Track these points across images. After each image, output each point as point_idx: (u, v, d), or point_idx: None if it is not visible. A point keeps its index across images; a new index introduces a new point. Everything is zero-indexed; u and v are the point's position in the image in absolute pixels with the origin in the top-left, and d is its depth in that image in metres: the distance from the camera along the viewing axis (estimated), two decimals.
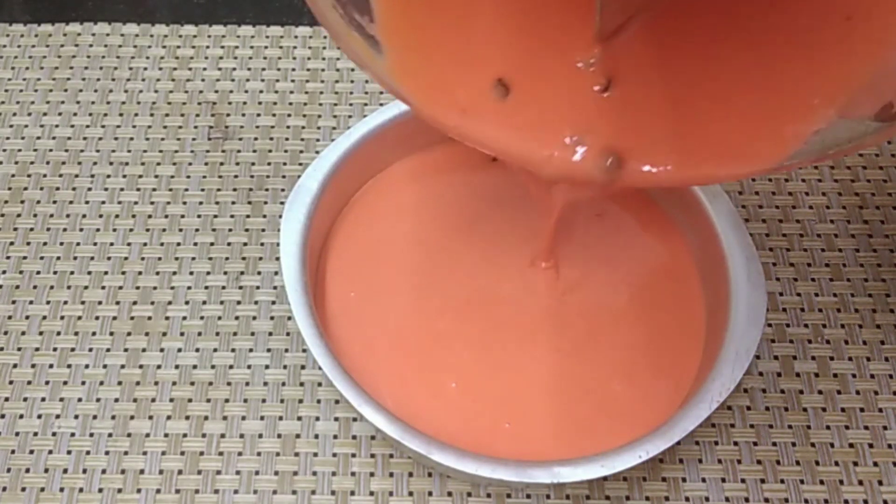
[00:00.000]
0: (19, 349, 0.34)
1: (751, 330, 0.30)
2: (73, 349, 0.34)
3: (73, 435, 0.32)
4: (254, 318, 0.35)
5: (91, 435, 0.32)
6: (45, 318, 0.34)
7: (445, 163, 0.36)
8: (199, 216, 0.37)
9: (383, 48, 0.25)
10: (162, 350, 0.34)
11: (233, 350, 0.34)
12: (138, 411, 0.33)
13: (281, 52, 0.42)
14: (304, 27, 0.42)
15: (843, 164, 0.39)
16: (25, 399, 0.33)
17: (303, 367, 0.33)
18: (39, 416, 0.33)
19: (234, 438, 0.32)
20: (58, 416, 0.32)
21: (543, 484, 0.30)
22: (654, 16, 0.25)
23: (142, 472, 0.31)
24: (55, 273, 0.35)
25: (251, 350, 0.34)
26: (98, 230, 0.37)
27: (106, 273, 0.36)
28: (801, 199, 0.38)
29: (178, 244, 0.36)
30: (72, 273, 0.35)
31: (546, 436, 0.31)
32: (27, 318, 0.35)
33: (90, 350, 0.34)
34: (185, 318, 0.34)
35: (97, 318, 0.34)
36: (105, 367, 0.33)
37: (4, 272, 0.36)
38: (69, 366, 0.33)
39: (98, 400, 0.33)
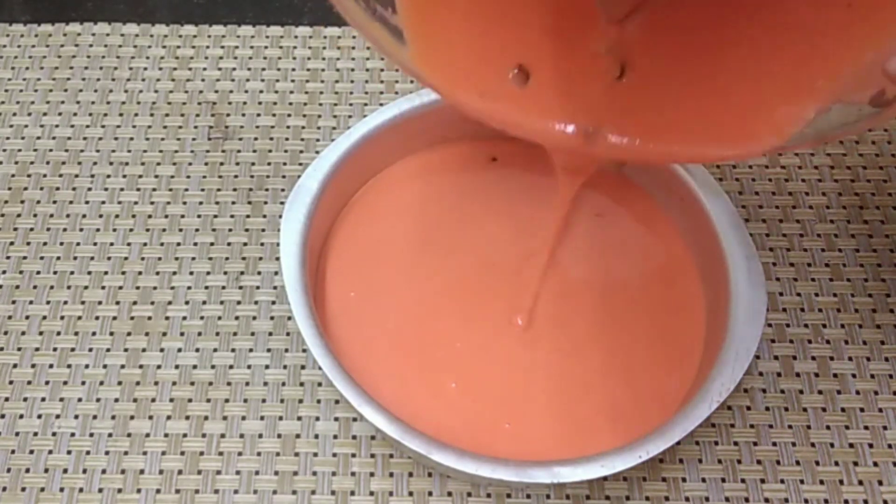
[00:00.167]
0: (19, 349, 0.34)
1: (751, 330, 0.30)
2: (73, 349, 0.34)
3: (73, 435, 0.32)
4: (254, 318, 0.35)
5: (91, 435, 0.32)
6: (45, 318, 0.34)
7: (445, 163, 0.36)
8: (199, 216, 0.37)
9: (406, 38, 0.26)
10: (162, 350, 0.34)
11: (233, 350, 0.34)
12: (138, 411, 0.33)
13: (281, 52, 0.42)
14: (304, 27, 0.42)
15: (843, 164, 0.39)
16: (25, 399, 0.33)
17: (303, 367, 0.33)
18: (39, 416, 0.32)
19: (234, 438, 0.32)
20: (58, 416, 0.32)
21: (543, 484, 0.30)
22: (660, 7, 0.26)
23: (142, 472, 0.31)
24: (55, 273, 0.35)
25: (251, 350, 0.34)
26: (98, 230, 0.36)
27: (106, 273, 0.36)
28: (801, 199, 0.38)
29: (178, 244, 0.36)
30: (72, 273, 0.35)
31: (546, 436, 0.31)
32: (27, 318, 0.35)
33: (90, 350, 0.34)
34: (185, 318, 0.34)
35: (97, 318, 0.34)
36: (105, 367, 0.33)
37: (4, 272, 0.36)
38: (69, 366, 0.33)
39: (98, 400, 0.33)
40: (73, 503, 0.31)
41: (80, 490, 0.31)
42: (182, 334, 0.34)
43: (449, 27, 0.27)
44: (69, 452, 0.32)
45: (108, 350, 0.34)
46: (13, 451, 0.32)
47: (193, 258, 0.36)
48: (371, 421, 0.28)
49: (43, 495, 0.31)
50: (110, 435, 0.32)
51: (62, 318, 0.34)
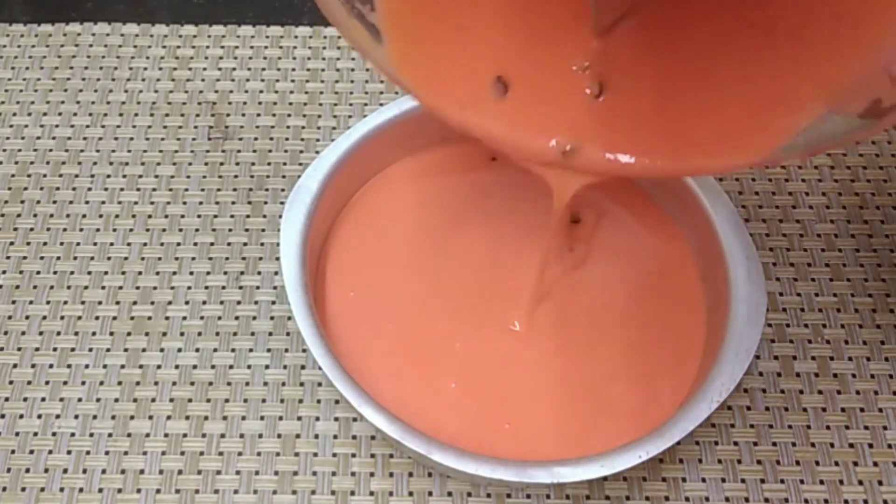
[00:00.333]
0: (19, 349, 0.34)
1: (751, 330, 0.30)
2: (73, 349, 0.34)
3: (73, 435, 0.32)
4: (254, 318, 0.35)
5: (91, 435, 0.32)
6: (45, 318, 0.34)
7: (445, 163, 0.36)
8: (199, 216, 0.37)
9: (383, 37, 0.25)
10: (162, 350, 0.34)
11: (233, 350, 0.34)
12: (138, 411, 0.33)
13: (281, 52, 0.42)
14: (304, 27, 0.42)
15: (843, 164, 0.39)
16: (25, 399, 0.33)
17: (303, 367, 0.33)
18: (39, 416, 0.33)
19: (234, 438, 0.32)
20: (58, 416, 0.32)
21: (543, 484, 0.30)
22: (647, 15, 0.26)
23: (142, 472, 0.31)
24: (55, 273, 0.35)
25: (251, 350, 0.34)
26: (98, 230, 0.37)
27: (106, 273, 0.36)
28: (801, 199, 0.38)
29: (178, 244, 0.36)
30: (72, 273, 0.35)
31: (546, 436, 0.31)
32: (27, 318, 0.35)
33: (90, 350, 0.34)
34: (185, 318, 0.34)
35: (97, 318, 0.34)
36: (105, 367, 0.33)
37: (4, 272, 0.36)
38: (69, 366, 0.33)
39: (98, 400, 0.33)
40: (73, 503, 0.31)
41: (80, 490, 0.31)
42: (182, 334, 0.34)
43: (425, 28, 0.26)
44: (69, 452, 0.32)
45: (108, 350, 0.34)
46: (13, 451, 0.32)
47: (193, 258, 0.36)
48: (371, 421, 0.28)
49: (43, 495, 0.31)
50: (110, 435, 0.32)
51: (62, 318, 0.34)
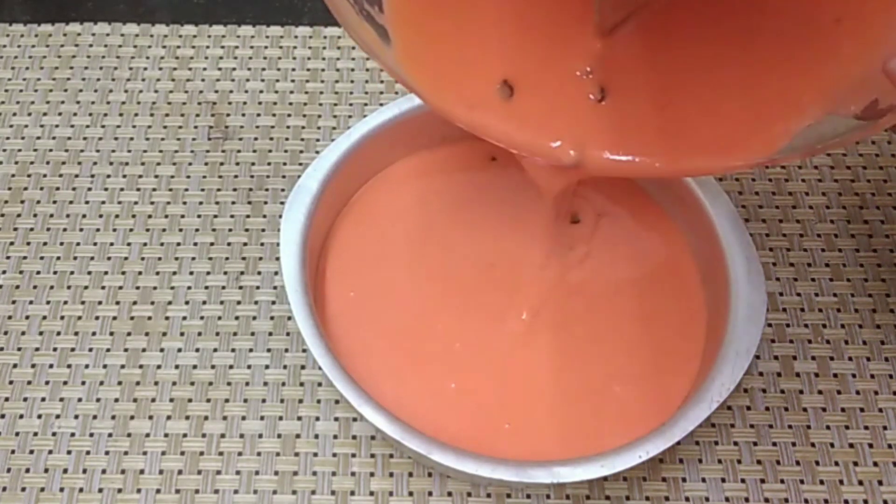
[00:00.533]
0: (19, 349, 0.34)
1: (751, 330, 0.30)
2: (73, 349, 0.34)
3: (73, 435, 0.32)
4: (254, 318, 0.35)
5: (91, 435, 0.32)
6: (45, 318, 0.34)
7: (445, 163, 0.36)
8: (199, 216, 0.37)
9: (391, 38, 0.26)
10: (162, 350, 0.34)
11: (233, 350, 0.34)
12: (138, 411, 0.33)
13: (281, 52, 0.42)
14: (304, 27, 0.42)
15: (843, 164, 0.39)
16: (25, 399, 0.33)
17: (303, 367, 0.33)
18: (39, 416, 0.33)
19: (234, 438, 0.32)
20: (58, 416, 0.32)
21: (543, 484, 0.30)
22: (649, 17, 0.26)
23: (142, 472, 0.31)
24: (55, 273, 0.35)
25: (251, 350, 0.34)
26: (98, 230, 0.37)
27: (106, 273, 0.36)
28: (801, 199, 0.38)
29: (178, 244, 0.36)
30: (72, 273, 0.35)
31: (546, 436, 0.31)
32: (27, 318, 0.35)
33: (90, 350, 0.34)
34: (185, 318, 0.34)
35: (97, 318, 0.34)
36: (105, 367, 0.33)
37: (4, 272, 0.36)
38: (69, 366, 0.33)
39: (98, 400, 0.33)
40: (73, 503, 0.31)
41: (80, 490, 0.31)
42: (182, 334, 0.34)
43: (433, 29, 0.27)
44: (69, 452, 0.32)
45: (108, 350, 0.34)
46: (13, 451, 0.32)
47: (193, 258, 0.36)
48: (371, 421, 0.28)
49: (43, 495, 0.31)
50: (110, 435, 0.32)
51: (62, 318, 0.34)
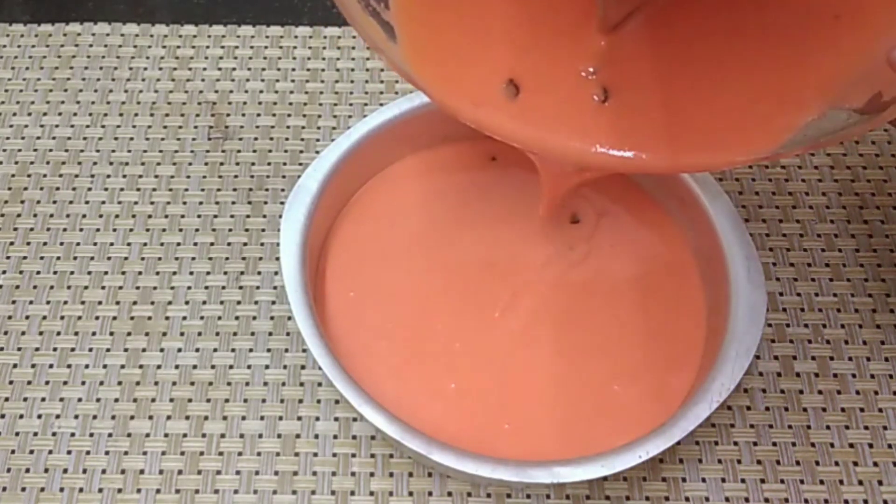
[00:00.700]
0: (19, 349, 0.34)
1: (751, 330, 0.30)
2: (73, 349, 0.34)
3: (73, 435, 0.32)
4: (254, 318, 0.35)
5: (91, 435, 0.32)
6: (45, 318, 0.34)
7: (445, 162, 0.36)
8: (199, 216, 0.37)
9: (398, 35, 0.26)
10: (162, 350, 0.34)
11: (233, 350, 0.34)
12: (138, 411, 0.33)
13: (281, 52, 0.42)
14: (304, 27, 0.42)
15: (843, 164, 0.39)
16: (25, 399, 0.33)
17: (303, 367, 0.33)
18: (39, 416, 0.32)
19: (234, 438, 0.32)
20: (58, 416, 0.32)
21: (543, 484, 0.30)
22: (652, 14, 0.26)
23: (142, 472, 0.31)
24: (55, 273, 0.35)
25: (251, 350, 0.34)
26: (98, 230, 0.36)
27: (106, 273, 0.36)
28: (801, 199, 0.38)
29: (178, 244, 0.36)
30: (72, 273, 0.35)
31: (546, 436, 0.31)
32: (27, 318, 0.35)
33: (90, 350, 0.34)
34: (185, 318, 0.34)
35: (97, 318, 0.34)
36: (105, 367, 0.33)
37: (4, 272, 0.35)
38: (69, 366, 0.33)
39: (98, 400, 0.33)
40: (73, 503, 0.31)
41: (80, 490, 0.31)
42: (182, 334, 0.34)
43: (439, 26, 0.27)
44: (69, 452, 0.32)
45: (108, 350, 0.34)
46: (13, 451, 0.32)
47: (193, 258, 0.36)
48: (371, 421, 0.28)
49: (43, 495, 0.31)
50: (110, 435, 0.32)
51: (62, 318, 0.34)
